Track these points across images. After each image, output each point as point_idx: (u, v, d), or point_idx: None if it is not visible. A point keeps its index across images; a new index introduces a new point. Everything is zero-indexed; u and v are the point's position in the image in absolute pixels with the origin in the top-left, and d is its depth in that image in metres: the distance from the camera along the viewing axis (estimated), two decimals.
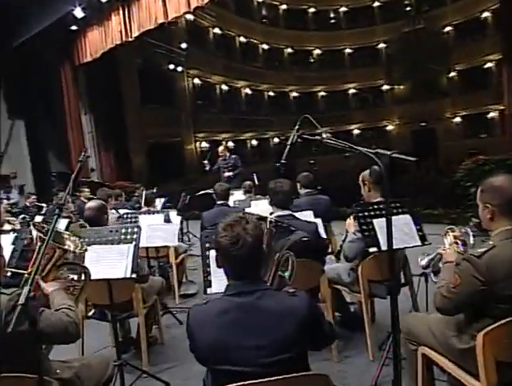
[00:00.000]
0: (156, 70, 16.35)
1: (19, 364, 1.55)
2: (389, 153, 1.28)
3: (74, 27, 10.13)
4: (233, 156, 8.34)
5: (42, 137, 11.66)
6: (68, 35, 10.67)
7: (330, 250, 4.45)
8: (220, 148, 8.59)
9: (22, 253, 3.02)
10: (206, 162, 8.58)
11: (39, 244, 1.85)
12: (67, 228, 4.24)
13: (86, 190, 8.18)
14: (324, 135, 1.52)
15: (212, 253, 2.24)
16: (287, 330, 1.37)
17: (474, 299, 1.72)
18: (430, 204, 7.74)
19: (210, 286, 2.18)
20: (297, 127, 1.61)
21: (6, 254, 2.80)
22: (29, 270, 1.86)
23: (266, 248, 1.56)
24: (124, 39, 9.18)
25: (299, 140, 1.59)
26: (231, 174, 8.05)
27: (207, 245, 2.26)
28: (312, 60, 25.95)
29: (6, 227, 4.90)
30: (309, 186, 4.51)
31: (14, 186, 11.28)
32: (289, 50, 25.30)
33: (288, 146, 1.63)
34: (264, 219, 1.64)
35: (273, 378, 1.33)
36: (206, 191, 7.25)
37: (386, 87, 25.02)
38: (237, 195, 6.25)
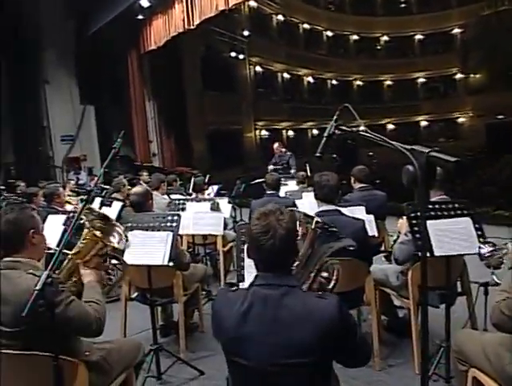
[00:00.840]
0: (218, 57, 16.54)
1: (47, 344, 1.58)
2: (426, 151, 1.09)
3: (140, 16, 10.48)
4: (288, 153, 8.03)
5: (109, 122, 12.29)
6: (134, 24, 11.09)
7: (382, 248, 4.23)
8: (276, 144, 8.37)
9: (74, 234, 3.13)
10: (271, 166, 8.34)
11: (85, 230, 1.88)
12: (120, 212, 4.39)
13: (145, 174, 8.50)
14: (362, 127, 1.35)
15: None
16: (306, 334, 1.27)
17: None
18: (501, 205, 7.12)
19: (243, 281, 2.10)
20: (335, 117, 1.46)
21: (57, 235, 2.94)
22: (72, 252, 1.91)
23: (309, 248, 1.48)
24: (186, 27, 9.33)
25: (336, 132, 1.44)
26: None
27: (242, 239, 2.18)
28: (379, 47, 24.80)
29: (68, 207, 5.21)
30: (363, 180, 4.25)
31: (83, 168, 12.01)
32: (355, 37, 24.38)
33: (324, 138, 1.48)
34: (311, 218, 1.53)
35: None
36: (262, 180, 7.17)
37: (459, 75, 23.25)
38: (290, 186, 6.12)
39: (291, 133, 22.08)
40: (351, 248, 1.68)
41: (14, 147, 10.70)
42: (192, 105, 14.43)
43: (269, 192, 4.71)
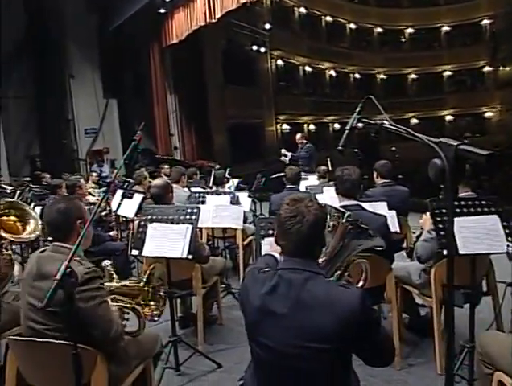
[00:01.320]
0: (239, 51, 16.48)
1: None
2: (455, 144, 1.03)
3: (162, 10, 10.52)
4: (307, 145, 7.87)
5: (131, 115, 12.45)
6: (156, 18, 11.15)
7: (404, 245, 4.15)
8: (298, 135, 8.28)
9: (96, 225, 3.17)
10: (283, 151, 8.23)
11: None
12: (140, 204, 4.43)
13: (166, 166, 8.58)
14: (386, 122, 1.31)
15: (266, 242, 2.14)
16: (327, 321, 1.28)
17: None
18: None
19: None
20: (358, 109, 1.42)
21: None
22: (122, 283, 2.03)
23: (339, 241, 1.50)
24: (208, 20, 9.33)
25: (359, 124, 1.40)
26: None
27: (261, 233, 2.16)
28: (404, 40, 24.21)
29: (90, 198, 5.31)
30: (386, 175, 4.17)
31: (106, 160, 12.20)
32: (378, 29, 23.86)
33: (347, 131, 1.44)
34: (342, 212, 1.55)
35: None
36: (282, 174, 7.13)
37: (487, 68, 22.51)
38: (311, 180, 6.08)
39: (312, 127, 21.87)
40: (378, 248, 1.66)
41: (40, 140, 10.97)
42: (213, 99, 14.45)
43: (289, 186, 4.67)
